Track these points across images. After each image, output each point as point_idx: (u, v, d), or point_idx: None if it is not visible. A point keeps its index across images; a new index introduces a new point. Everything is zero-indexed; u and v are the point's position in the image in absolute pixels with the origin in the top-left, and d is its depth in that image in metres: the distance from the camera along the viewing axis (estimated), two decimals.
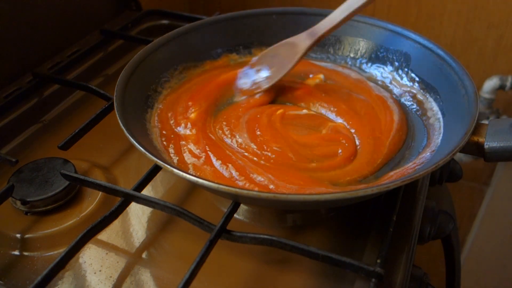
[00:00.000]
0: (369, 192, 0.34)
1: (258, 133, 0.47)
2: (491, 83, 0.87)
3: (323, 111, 0.51)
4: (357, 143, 0.47)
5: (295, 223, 0.44)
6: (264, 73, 0.53)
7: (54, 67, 0.63)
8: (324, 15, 0.53)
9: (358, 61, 0.57)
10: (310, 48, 0.52)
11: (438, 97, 0.49)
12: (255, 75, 0.53)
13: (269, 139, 0.46)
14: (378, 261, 0.36)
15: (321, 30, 0.51)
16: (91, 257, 0.41)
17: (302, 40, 0.52)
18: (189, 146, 0.45)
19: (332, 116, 0.51)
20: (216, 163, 0.43)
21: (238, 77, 0.54)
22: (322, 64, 0.58)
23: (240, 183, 0.41)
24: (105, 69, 0.67)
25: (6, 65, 0.59)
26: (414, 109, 0.51)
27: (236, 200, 0.40)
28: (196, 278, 0.34)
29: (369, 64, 0.57)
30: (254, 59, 0.55)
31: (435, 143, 0.44)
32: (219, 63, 0.58)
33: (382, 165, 0.45)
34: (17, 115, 0.56)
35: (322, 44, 0.59)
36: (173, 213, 0.39)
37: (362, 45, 0.57)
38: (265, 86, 0.52)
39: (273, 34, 0.59)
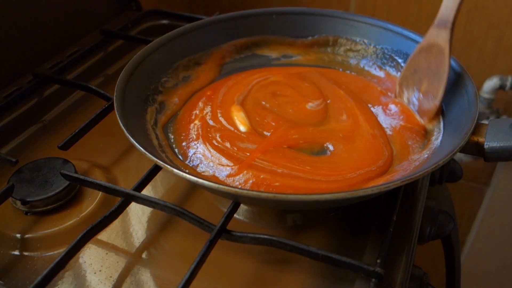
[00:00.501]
0: (369, 192, 0.34)
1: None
2: (491, 83, 0.87)
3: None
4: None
5: (295, 223, 0.44)
6: (418, 96, 0.44)
7: (54, 67, 0.63)
8: (324, 15, 0.53)
9: (358, 61, 0.57)
10: (452, 40, 0.44)
11: None
12: (410, 105, 0.45)
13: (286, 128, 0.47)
14: (378, 261, 0.36)
15: (450, 15, 0.43)
16: (91, 257, 0.41)
17: (436, 36, 0.44)
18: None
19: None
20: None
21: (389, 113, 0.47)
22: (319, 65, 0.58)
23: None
24: (105, 69, 0.67)
25: (6, 65, 0.59)
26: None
27: (236, 200, 0.40)
28: (196, 278, 0.34)
29: (369, 64, 0.57)
30: (390, 96, 0.47)
31: (435, 143, 0.44)
32: (219, 63, 0.58)
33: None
34: (17, 115, 0.56)
35: (322, 43, 0.59)
36: (173, 213, 0.39)
37: (362, 45, 0.57)
38: (435, 107, 0.44)
39: (273, 34, 0.59)
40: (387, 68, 0.55)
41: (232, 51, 0.59)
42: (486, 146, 0.40)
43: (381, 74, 0.56)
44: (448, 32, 0.43)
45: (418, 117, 0.47)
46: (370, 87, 0.54)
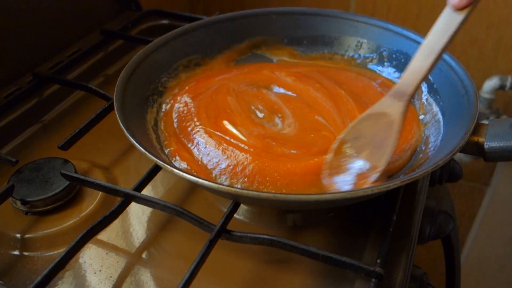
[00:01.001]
0: (369, 192, 0.34)
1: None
2: (491, 83, 0.87)
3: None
4: None
5: (295, 223, 0.44)
6: (357, 163, 0.40)
7: (54, 67, 0.63)
8: (324, 15, 0.53)
9: (357, 61, 0.57)
10: (405, 113, 0.41)
11: (438, 97, 0.49)
12: (347, 171, 0.40)
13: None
14: (378, 261, 0.36)
15: (409, 89, 0.41)
16: (91, 257, 0.41)
17: (389, 106, 0.41)
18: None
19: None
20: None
21: (324, 177, 0.41)
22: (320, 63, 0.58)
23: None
24: (105, 69, 0.67)
25: (6, 65, 0.59)
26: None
27: (236, 200, 0.40)
28: (196, 278, 0.34)
29: (369, 64, 0.57)
30: (329, 156, 0.41)
31: (435, 143, 0.44)
32: (219, 63, 0.58)
33: None
34: (17, 115, 0.56)
35: (322, 43, 0.59)
36: (173, 213, 0.39)
37: (362, 45, 0.57)
38: (374, 178, 0.39)
39: (273, 34, 0.59)
40: (387, 68, 0.55)
41: (235, 54, 0.59)
42: (486, 146, 0.40)
43: (380, 74, 0.56)
44: (404, 105, 0.40)
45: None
46: (370, 87, 0.54)
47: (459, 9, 0.40)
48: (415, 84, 0.41)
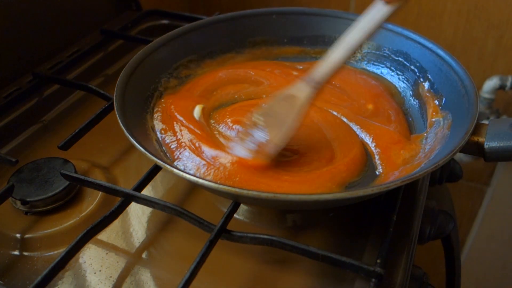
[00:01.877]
0: (369, 192, 0.34)
1: None
2: (491, 83, 0.87)
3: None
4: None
5: (295, 223, 0.44)
6: (260, 135, 0.43)
7: (54, 67, 0.63)
8: (324, 15, 0.53)
9: (357, 61, 0.57)
10: (313, 98, 0.44)
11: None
12: (248, 140, 0.44)
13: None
14: (378, 261, 0.36)
15: (320, 78, 0.44)
16: (91, 257, 0.41)
17: (300, 90, 0.44)
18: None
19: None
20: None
21: (230, 144, 0.45)
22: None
23: None
24: (105, 69, 0.67)
25: (6, 65, 0.59)
26: None
27: (236, 200, 0.40)
28: (196, 278, 0.34)
29: (369, 64, 0.57)
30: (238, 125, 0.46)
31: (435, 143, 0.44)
32: (219, 63, 0.58)
33: None
34: (17, 115, 0.56)
35: (322, 43, 0.59)
36: (173, 213, 0.39)
37: (362, 45, 0.57)
38: (271, 151, 0.42)
39: (273, 34, 0.59)
40: (387, 68, 0.55)
41: (235, 54, 0.59)
42: (486, 146, 0.40)
43: (380, 74, 0.56)
44: (311, 90, 0.43)
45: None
46: (370, 86, 0.54)
47: (390, 2, 0.42)
48: (326, 73, 0.43)
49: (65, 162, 0.47)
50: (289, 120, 0.43)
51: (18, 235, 0.42)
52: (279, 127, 0.43)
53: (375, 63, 0.56)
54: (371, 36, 0.43)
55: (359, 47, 0.44)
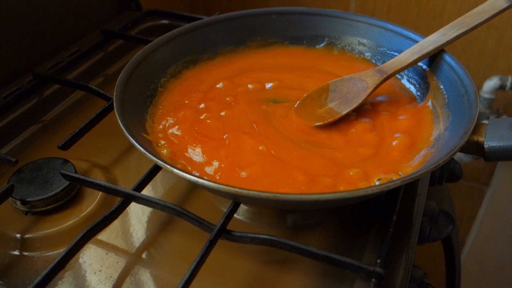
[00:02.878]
0: (369, 192, 0.34)
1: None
2: (491, 83, 0.87)
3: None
4: None
5: (295, 223, 0.44)
6: (325, 107, 0.49)
7: (54, 67, 0.63)
8: (324, 15, 0.53)
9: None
10: (378, 86, 0.49)
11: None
12: (316, 107, 0.49)
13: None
14: (378, 261, 0.36)
15: (390, 69, 0.49)
16: (91, 257, 0.41)
17: (369, 76, 0.50)
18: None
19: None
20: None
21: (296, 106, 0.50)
22: None
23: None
24: (105, 69, 0.67)
25: (6, 65, 0.59)
26: None
27: (236, 200, 0.40)
28: (196, 278, 0.34)
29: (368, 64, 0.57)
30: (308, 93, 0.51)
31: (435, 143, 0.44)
32: (219, 63, 0.58)
33: None
34: (17, 115, 0.56)
35: (322, 43, 0.59)
36: (173, 213, 0.39)
37: (362, 45, 0.57)
38: (329, 119, 0.48)
39: (273, 34, 0.59)
40: None
41: (235, 53, 0.59)
42: (486, 146, 0.40)
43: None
44: (381, 79, 0.49)
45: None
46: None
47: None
48: (396, 69, 0.49)
49: (65, 162, 0.47)
50: (357, 99, 0.49)
51: (18, 235, 0.42)
52: (343, 103, 0.49)
53: (374, 63, 0.56)
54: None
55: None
